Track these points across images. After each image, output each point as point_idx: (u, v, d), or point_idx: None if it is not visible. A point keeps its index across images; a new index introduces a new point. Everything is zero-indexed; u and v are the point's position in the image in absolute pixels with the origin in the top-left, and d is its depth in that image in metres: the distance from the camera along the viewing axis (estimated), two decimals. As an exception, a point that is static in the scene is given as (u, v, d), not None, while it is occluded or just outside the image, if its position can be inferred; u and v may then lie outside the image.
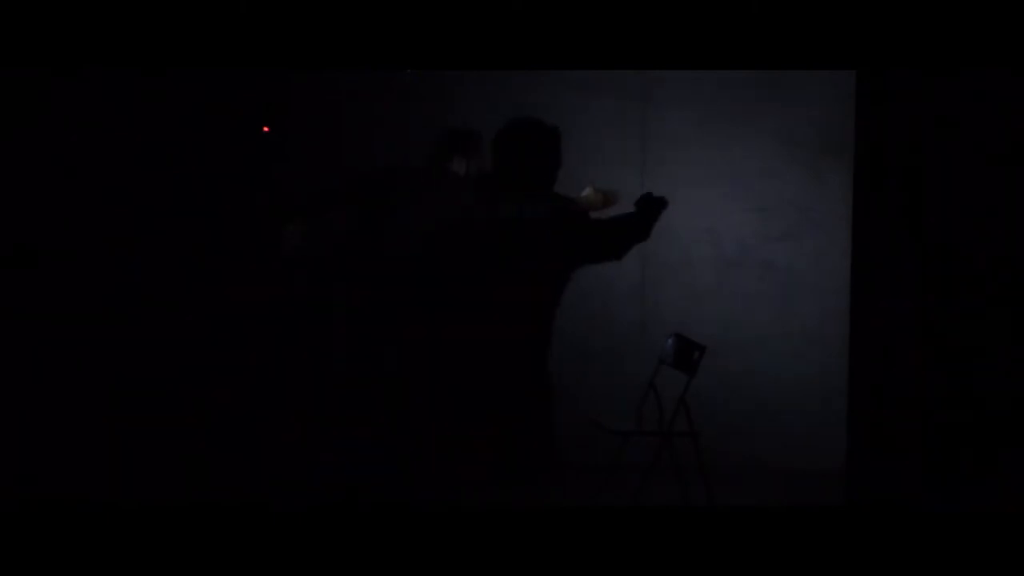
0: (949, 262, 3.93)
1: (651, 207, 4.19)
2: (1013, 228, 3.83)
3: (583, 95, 5.16)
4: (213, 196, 5.12)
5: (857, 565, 3.41)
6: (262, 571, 3.39)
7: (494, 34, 4.14)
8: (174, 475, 4.60)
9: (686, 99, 5.21)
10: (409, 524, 3.64)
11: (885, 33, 3.79)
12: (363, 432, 4.89)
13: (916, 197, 3.98)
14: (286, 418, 5.10)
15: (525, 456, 4.96)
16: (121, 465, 4.63)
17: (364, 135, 5.18)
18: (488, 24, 4.13)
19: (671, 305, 5.21)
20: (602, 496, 4.51)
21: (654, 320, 5.19)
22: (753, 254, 5.19)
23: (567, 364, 5.24)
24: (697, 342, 4.38)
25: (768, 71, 4.97)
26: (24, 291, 4.84)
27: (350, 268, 4.65)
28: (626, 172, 5.13)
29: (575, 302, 5.24)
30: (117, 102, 4.95)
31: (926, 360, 4.00)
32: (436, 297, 4.48)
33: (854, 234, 4.62)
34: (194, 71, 4.81)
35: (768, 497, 4.62)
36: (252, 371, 5.17)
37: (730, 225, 5.23)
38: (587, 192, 4.34)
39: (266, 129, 5.25)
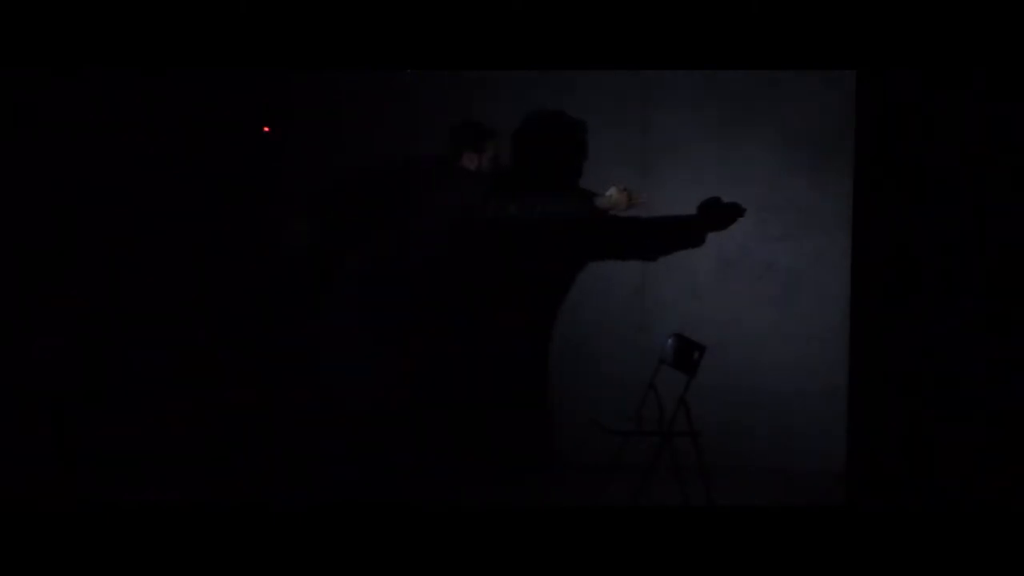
0: (949, 262, 3.93)
1: (720, 214, 4.11)
2: (1012, 228, 3.83)
3: (583, 95, 5.16)
4: (213, 196, 5.12)
5: (857, 565, 3.41)
6: (263, 571, 3.39)
7: (494, 34, 4.14)
8: (177, 475, 4.60)
9: (686, 99, 5.21)
10: (410, 524, 3.64)
11: (885, 34, 3.79)
12: (368, 432, 4.90)
13: (916, 197, 3.97)
14: (291, 418, 5.10)
15: (525, 455, 4.97)
16: (120, 464, 4.63)
17: (364, 135, 5.18)
18: (488, 24, 4.12)
19: (671, 305, 5.21)
20: (602, 496, 4.50)
21: (654, 320, 5.18)
22: (753, 254, 5.18)
23: (567, 364, 5.26)
24: (697, 342, 4.38)
25: (768, 71, 4.97)
26: (24, 291, 4.84)
27: (359, 267, 4.65)
28: (626, 172, 5.13)
29: (575, 302, 5.26)
30: (117, 102, 4.95)
31: (926, 360, 4.00)
32: (446, 300, 4.48)
33: (854, 234, 4.62)
34: (194, 71, 4.81)
35: (768, 497, 4.62)
36: (253, 371, 5.17)
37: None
38: (611, 192, 4.33)
39: (266, 129, 5.25)
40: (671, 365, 4.52)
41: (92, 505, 3.93)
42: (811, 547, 3.49)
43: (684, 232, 4.43)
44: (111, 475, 4.53)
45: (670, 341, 4.60)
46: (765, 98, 5.16)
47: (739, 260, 5.20)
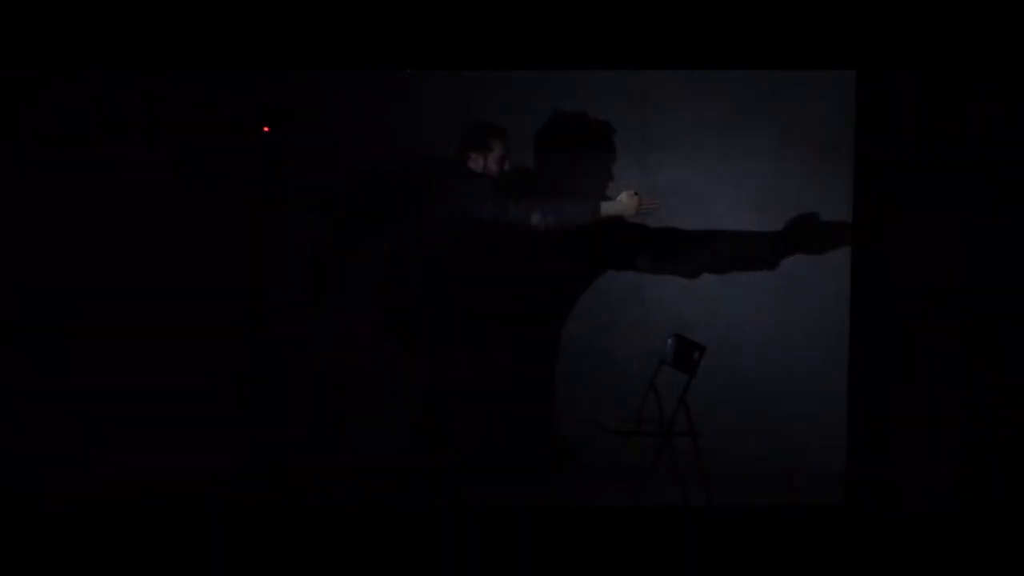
0: (949, 261, 3.93)
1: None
2: (1012, 228, 3.83)
3: (582, 95, 5.16)
4: (213, 196, 5.11)
5: (857, 565, 3.41)
6: (264, 571, 3.39)
7: (496, 34, 4.14)
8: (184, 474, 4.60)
9: (686, 99, 5.21)
10: (411, 524, 3.64)
11: (885, 34, 3.79)
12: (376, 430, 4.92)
13: (915, 198, 3.97)
14: (305, 416, 5.11)
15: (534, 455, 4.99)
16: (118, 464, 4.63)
17: (364, 135, 5.18)
18: (489, 25, 4.12)
19: (671, 305, 5.21)
20: (602, 496, 4.50)
21: (654, 320, 5.18)
22: (753, 254, 5.19)
23: (567, 364, 5.26)
24: (697, 342, 4.38)
25: (768, 71, 4.96)
26: (23, 291, 4.84)
27: (372, 265, 4.67)
28: (626, 172, 5.13)
29: (575, 302, 5.26)
30: (117, 102, 4.95)
31: (926, 360, 4.00)
32: (456, 301, 4.49)
33: (854, 234, 4.62)
34: (194, 71, 4.81)
35: (768, 497, 4.62)
36: (257, 372, 5.17)
37: (730, 225, 5.23)
38: (623, 197, 4.35)
39: (266, 129, 5.24)
40: (671, 365, 4.52)
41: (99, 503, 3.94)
42: (811, 547, 3.49)
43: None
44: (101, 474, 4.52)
45: (670, 341, 4.60)
46: (765, 98, 5.16)
47: (739, 260, 5.20)
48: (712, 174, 5.14)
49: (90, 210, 4.94)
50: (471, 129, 4.50)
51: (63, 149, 4.88)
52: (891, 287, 4.10)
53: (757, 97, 5.16)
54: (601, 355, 5.24)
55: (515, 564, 3.43)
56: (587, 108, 5.04)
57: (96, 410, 4.80)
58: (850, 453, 4.51)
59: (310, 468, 4.87)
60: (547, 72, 5.02)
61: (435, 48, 4.23)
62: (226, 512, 3.76)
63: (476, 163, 4.45)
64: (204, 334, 4.99)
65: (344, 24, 4.11)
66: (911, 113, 3.97)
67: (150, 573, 3.37)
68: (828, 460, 4.92)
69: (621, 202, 4.33)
